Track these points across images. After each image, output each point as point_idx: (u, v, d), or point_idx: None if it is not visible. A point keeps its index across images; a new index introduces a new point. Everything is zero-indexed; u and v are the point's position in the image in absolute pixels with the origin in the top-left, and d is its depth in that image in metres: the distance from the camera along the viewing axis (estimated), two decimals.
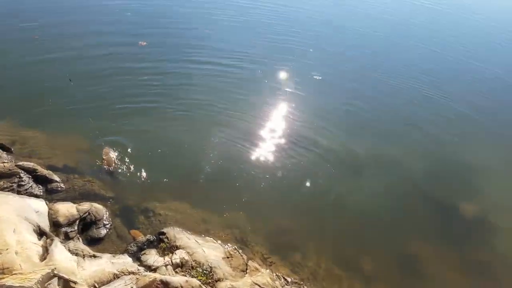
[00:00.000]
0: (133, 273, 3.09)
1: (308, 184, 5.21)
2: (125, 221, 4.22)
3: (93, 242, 3.82)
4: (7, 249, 2.90)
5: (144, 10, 10.21)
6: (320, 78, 7.88)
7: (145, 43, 8.00)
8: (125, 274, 3.04)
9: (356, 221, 4.98)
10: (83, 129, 5.37)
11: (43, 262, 2.97)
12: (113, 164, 4.82)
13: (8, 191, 3.94)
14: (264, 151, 5.67)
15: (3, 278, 2.61)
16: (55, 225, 3.70)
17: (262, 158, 5.52)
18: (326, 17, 12.29)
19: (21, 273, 2.68)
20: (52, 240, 3.31)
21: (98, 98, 6.08)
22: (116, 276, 3.02)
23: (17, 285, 2.56)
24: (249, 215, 4.75)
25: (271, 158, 5.56)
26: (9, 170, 4.20)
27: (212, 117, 6.30)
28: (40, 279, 2.67)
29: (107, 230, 3.94)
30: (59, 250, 3.14)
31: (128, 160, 4.98)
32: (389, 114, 7.20)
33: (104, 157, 4.83)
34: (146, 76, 7.02)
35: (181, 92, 6.78)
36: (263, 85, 7.49)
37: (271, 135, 6.00)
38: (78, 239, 3.73)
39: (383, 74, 8.56)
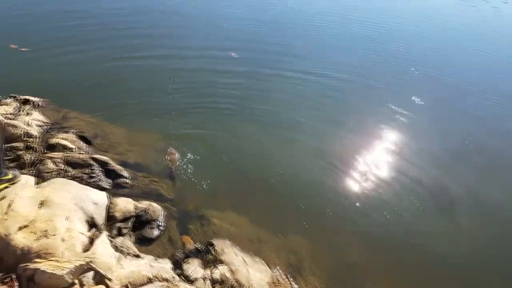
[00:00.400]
0: (166, 280, 2.94)
1: (388, 217, 4.64)
2: (180, 226, 4.13)
3: (143, 241, 3.77)
4: (54, 235, 2.94)
5: (240, 23, 10.38)
6: (421, 103, 7.16)
7: (235, 55, 8.04)
8: (158, 280, 2.89)
9: (441, 267, 4.28)
10: (161, 130, 5.48)
11: (84, 253, 2.95)
12: (176, 164, 4.79)
13: (78, 180, 4.06)
14: (342, 173, 5.25)
15: (41, 262, 2.61)
16: (111, 219, 3.72)
17: (338, 182, 5.10)
18: (436, 31, 11.36)
19: (57, 260, 2.66)
20: (100, 233, 3.29)
21: (180, 102, 6.21)
22: (149, 281, 2.88)
23: (50, 271, 2.55)
24: (311, 241, 4.36)
25: (349, 182, 5.12)
26: (84, 161, 4.39)
27: (292, 130, 6.04)
28: (73, 269, 2.64)
29: (160, 232, 3.87)
30: (103, 244, 3.11)
31: (194, 164, 4.94)
32: (498, 147, 6.25)
33: (168, 158, 4.84)
34: (232, 85, 7.03)
35: (263, 102, 6.66)
36: (354, 102, 7.05)
37: (353, 158, 5.55)
38: (130, 236, 3.69)
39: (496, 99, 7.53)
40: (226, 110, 6.21)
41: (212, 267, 3.35)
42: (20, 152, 4.33)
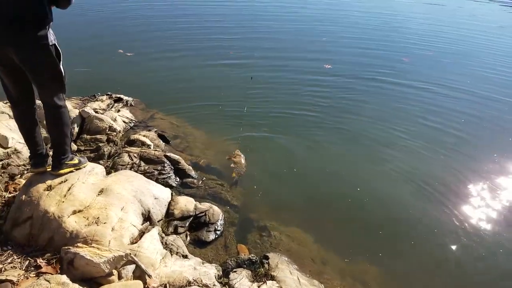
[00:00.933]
0: (206, 286, 2.74)
1: (487, 262, 3.90)
2: (238, 233, 3.94)
3: (197, 243, 3.66)
4: (105, 223, 2.95)
5: (339, 35, 10.04)
6: None
7: (329, 66, 7.74)
8: (197, 285, 2.71)
9: None
10: (237, 134, 5.42)
11: (129, 246, 2.90)
12: (240, 167, 4.70)
13: (149, 175, 4.11)
14: (440, 202, 4.57)
15: (82, 247, 2.61)
16: (169, 216, 3.67)
17: (433, 211, 4.46)
18: None
19: (98, 248, 2.63)
20: (152, 227, 3.23)
21: (262, 108, 6.10)
22: (188, 284, 2.72)
23: (88, 257, 2.52)
24: (384, 273, 3.83)
25: (447, 214, 4.43)
26: (157, 157, 4.47)
27: (382, 146, 5.52)
28: (111, 259, 2.58)
29: (216, 236, 3.73)
30: (151, 239, 3.04)
31: (266, 174, 4.76)
32: None
33: (233, 159, 4.71)
34: (320, 94, 6.74)
35: (353, 114, 6.26)
36: (465, 122, 6.24)
37: (457, 185, 4.82)
38: (186, 236, 3.60)
39: None
40: (309, 120, 5.94)
41: (261, 282, 3.05)
42: (101, 144, 4.53)
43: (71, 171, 3.27)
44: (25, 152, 3.90)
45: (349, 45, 9.27)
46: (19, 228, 2.88)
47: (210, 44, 8.52)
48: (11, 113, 4.36)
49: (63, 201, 2.99)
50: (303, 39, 9.44)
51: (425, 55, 9.15)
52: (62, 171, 3.12)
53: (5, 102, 4.62)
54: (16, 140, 3.92)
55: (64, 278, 2.40)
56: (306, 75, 7.37)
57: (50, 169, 3.18)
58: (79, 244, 2.63)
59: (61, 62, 2.66)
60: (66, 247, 2.59)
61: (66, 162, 3.13)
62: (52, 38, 2.54)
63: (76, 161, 3.32)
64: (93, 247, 2.64)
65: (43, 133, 3.28)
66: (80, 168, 3.34)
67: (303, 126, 5.72)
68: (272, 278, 3.22)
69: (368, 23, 11.46)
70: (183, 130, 5.35)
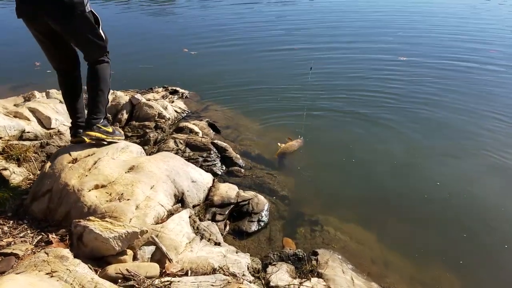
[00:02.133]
0: (233, 275, 2.28)
1: None
2: (285, 226, 3.42)
3: (237, 234, 3.22)
4: (128, 199, 2.63)
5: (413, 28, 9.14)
6: None
7: (405, 58, 6.97)
8: (223, 273, 2.25)
9: None
10: (294, 127, 4.94)
11: (152, 225, 2.53)
12: (288, 151, 4.32)
13: (193, 162, 3.79)
14: None
15: (94, 220, 2.29)
16: (207, 201, 3.27)
17: None
18: None
19: (111, 222, 2.29)
20: (183, 209, 2.85)
21: (322, 100, 5.58)
22: (213, 271, 2.27)
23: (97, 231, 2.18)
24: (464, 283, 3.06)
25: None
26: (204, 144, 4.15)
27: (466, 140, 4.72)
28: (123, 236, 2.22)
29: (259, 227, 3.27)
30: (179, 220, 2.67)
31: (323, 166, 4.22)
32: None
33: (281, 144, 4.23)
34: (392, 84, 6.03)
35: (431, 106, 5.48)
36: None
37: None
38: (225, 225, 3.17)
39: None
40: (378, 111, 5.25)
41: (304, 279, 2.49)
42: (148, 130, 4.31)
43: (102, 139, 3.03)
44: (68, 134, 3.75)
45: (429, 42, 8.33)
46: (37, 202, 2.66)
47: (274, 40, 8.25)
48: (61, 99, 4.30)
49: (86, 175, 2.72)
50: (377, 32, 8.70)
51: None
52: (91, 133, 2.85)
53: (58, 90, 4.60)
54: (61, 121, 3.81)
55: (64, 251, 2.08)
56: (378, 66, 6.67)
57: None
58: (91, 218, 2.30)
59: (100, 26, 2.71)
60: (77, 220, 2.27)
61: (98, 125, 2.87)
62: (88, 5, 2.60)
63: (109, 129, 3.07)
64: (106, 221, 2.29)
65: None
66: (113, 140, 3.11)
67: (369, 116, 5.06)
68: (319, 275, 2.65)
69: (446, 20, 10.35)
70: (236, 121, 4.99)
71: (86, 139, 2.95)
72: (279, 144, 4.31)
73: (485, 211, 3.54)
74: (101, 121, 2.89)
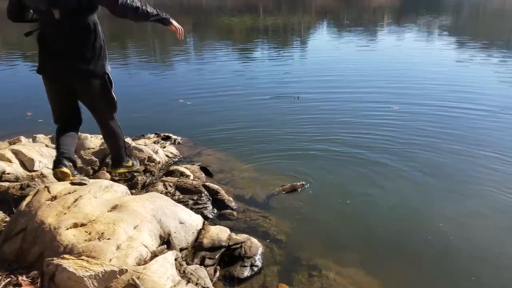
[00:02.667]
0: None
1: None
2: (281, 271, 3.19)
3: (228, 280, 2.98)
4: (109, 239, 2.42)
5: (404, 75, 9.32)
6: None
7: (397, 107, 7.01)
8: None
9: None
10: (291, 171, 4.77)
11: (133, 267, 2.30)
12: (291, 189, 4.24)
13: (183, 205, 3.62)
14: None
15: (68, 258, 2.07)
16: (196, 245, 3.04)
17: None
18: None
19: (87, 261, 2.07)
20: (168, 251, 2.63)
21: (319, 146, 5.49)
22: None
23: (71, 270, 1.96)
24: None
25: None
26: (195, 187, 3.99)
27: (467, 183, 4.55)
28: (100, 275, 2.00)
29: (252, 273, 3.03)
30: (163, 262, 2.43)
31: (321, 208, 4.03)
32: None
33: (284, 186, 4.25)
34: (385, 132, 5.97)
35: (427, 150, 5.36)
36: None
37: None
38: (215, 271, 2.92)
39: None
40: (374, 153, 5.18)
41: None
42: (137, 174, 4.15)
43: (125, 172, 3.89)
44: (52, 178, 3.59)
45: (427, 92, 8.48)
46: (9, 242, 2.45)
47: (269, 91, 8.38)
48: (49, 144, 4.20)
49: (65, 213, 2.54)
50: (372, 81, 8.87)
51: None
52: (119, 170, 3.81)
53: (46, 135, 4.52)
54: (44, 164, 3.66)
55: None
56: (371, 115, 6.66)
57: (109, 169, 3.88)
58: (65, 255, 2.07)
59: (112, 89, 3.13)
60: (50, 258, 2.05)
61: (124, 164, 3.74)
62: (108, 67, 3.02)
63: (130, 163, 3.82)
64: (82, 259, 2.07)
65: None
66: (132, 170, 3.96)
67: (365, 158, 4.95)
68: None
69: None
70: (230, 165, 4.86)
71: (81, 180, 3.14)
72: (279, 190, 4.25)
73: (492, 254, 3.33)
74: (125, 161, 3.81)
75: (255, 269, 3.09)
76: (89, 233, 2.47)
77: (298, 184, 4.27)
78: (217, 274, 3.00)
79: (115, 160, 3.63)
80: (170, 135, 5.63)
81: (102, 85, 2.98)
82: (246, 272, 3.04)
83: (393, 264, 3.31)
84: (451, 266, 3.23)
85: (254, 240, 3.33)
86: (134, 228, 2.70)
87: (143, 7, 2.69)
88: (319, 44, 16.38)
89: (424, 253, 3.39)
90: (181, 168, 4.46)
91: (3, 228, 2.81)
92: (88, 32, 2.73)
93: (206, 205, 3.84)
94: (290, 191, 4.22)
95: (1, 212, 2.97)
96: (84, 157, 4.18)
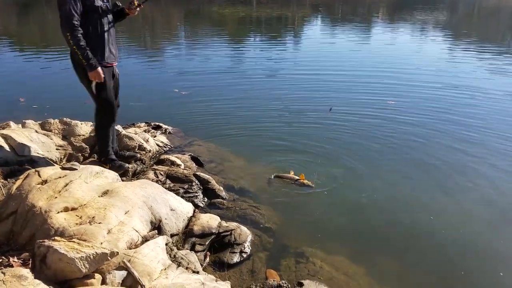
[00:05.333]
0: None
1: None
2: (269, 258, 3.24)
3: (218, 265, 3.02)
4: (100, 223, 2.44)
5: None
6: None
7: (393, 102, 7.07)
8: None
9: None
10: (283, 163, 4.80)
11: (124, 250, 2.34)
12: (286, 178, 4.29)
13: (174, 193, 3.63)
14: None
15: (59, 240, 2.10)
16: (187, 231, 3.08)
17: None
18: None
19: (79, 243, 2.10)
20: (159, 236, 2.66)
21: (316, 138, 5.56)
22: None
23: (62, 251, 1.98)
24: None
25: None
26: (186, 176, 4.01)
27: (459, 175, 4.63)
28: (91, 257, 2.03)
29: (241, 259, 3.08)
30: (154, 246, 2.47)
31: (313, 198, 4.09)
32: None
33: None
34: (379, 126, 6.04)
35: (418, 146, 5.45)
36: None
37: None
38: (205, 257, 2.96)
39: None
40: (366, 146, 5.32)
41: None
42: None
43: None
44: (42, 163, 3.60)
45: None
46: (0, 225, 2.44)
47: (266, 84, 8.51)
48: (39, 130, 4.19)
49: (55, 197, 2.56)
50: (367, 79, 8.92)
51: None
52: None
53: (35, 121, 4.52)
54: (34, 149, 3.64)
55: (23, 271, 1.88)
56: (368, 110, 6.71)
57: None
58: (56, 238, 2.10)
59: (93, 84, 3.35)
60: (41, 240, 2.07)
61: (101, 160, 3.79)
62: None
63: (107, 166, 3.68)
64: (73, 241, 2.10)
65: None
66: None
67: (356, 151, 5.02)
68: None
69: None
70: (221, 155, 4.88)
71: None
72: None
73: (480, 248, 3.42)
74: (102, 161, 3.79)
75: (244, 255, 3.14)
76: (80, 217, 2.49)
77: (296, 178, 4.26)
78: (207, 259, 3.05)
79: (98, 151, 3.89)
80: (161, 124, 5.63)
81: (84, 75, 3.27)
82: (236, 258, 3.09)
83: (379, 253, 3.38)
84: (436, 257, 3.32)
85: (244, 228, 3.37)
86: (125, 213, 2.72)
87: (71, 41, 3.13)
88: (313, 38, 16.37)
89: (410, 244, 3.48)
90: (172, 157, 4.48)
91: None
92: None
93: (196, 194, 3.86)
94: (287, 177, 4.26)
95: None
96: (75, 143, 4.17)
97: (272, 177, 4.27)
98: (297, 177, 4.18)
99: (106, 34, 3.25)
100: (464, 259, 3.28)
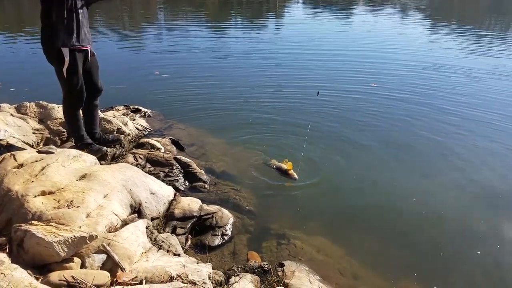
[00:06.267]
0: (192, 283, 2.07)
1: None
2: (251, 240, 3.26)
3: (199, 248, 3.03)
4: (78, 207, 2.39)
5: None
6: None
7: (376, 85, 7.12)
8: (181, 281, 2.04)
9: None
10: (267, 150, 4.76)
11: (103, 234, 2.30)
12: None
13: (154, 176, 3.59)
14: (506, 219, 3.67)
15: (37, 224, 2.05)
16: (168, 215, 3.06)
17: (494, 228, 3.55)
18: None
19: (56, 227, 2.06)
20: (139, 219, 2.64)
21: (299, 121, 5.57)
22: (170, 279, 2.05)
23: (40, 235, 1.94)
24: None
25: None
26: (166, 160, 3.97)
27: (435, 161, 4.68)
28: (69, 240, 2.00)
29: (223, 241, 3.08)
30: (134, 229, 2.45)
31: (295, 184, 4.04)
32: None
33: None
34: (365, 110, 6.09)
35: (395, 128, 5.52)
36: None
37: None
38: (186, 240, 2.96)
39: None
40: (349, 128, 5.36)
41: None
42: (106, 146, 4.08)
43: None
44: (18, 147, 3.51)
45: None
46: None
47: (249, 68, 8.52)
48: (14, 113, 4.07)
49: (32, 181, 2.50)
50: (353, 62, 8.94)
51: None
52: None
53: (11, 104, 4.38)
54: (10, 133, 3.55)
55: (1, 256, 1.83)
56: (350, 92, 6.75)
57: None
58: (33, 222, 2.06)
59: (64, 67, 3.26)
60: (18, 225, 2.03)
61: (78, 145, 3.65)
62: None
63: (84, 150, 3.49)
64: (51, 225, 2.06)
65: None
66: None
67: (339, 133, 5.07)
68: (285, 285, 2.48)
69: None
70: (201, 139, 4.85)
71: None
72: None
73: (456, 228, 3.51)
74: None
75: (226, 238, 3.15)
76: (58, 201, 2.45)
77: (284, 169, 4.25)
78: (189, 242, 3.05)
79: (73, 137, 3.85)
80: (140, 107, 5.55)
81: (56, 59, 3.20)
82: (217, 241, 3.10)
83: (360, 234, 3.44)
84: (416, 237, 3.39)
85: (225, 211, 3.38)
86: (104, 197, 2.69)
87: None
88: (294, 21, 16.29)
89: (390, 225, 3.54)
90: (152, 141, 4.43)
91: None
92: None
93: (177, 177, 3.84)
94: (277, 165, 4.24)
95: None
96: (52, 127, 4.08)
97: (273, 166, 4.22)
98: (285, 167, 4.13)
99: (80, 16, 3.16)
100: (443, 239, 3.37)
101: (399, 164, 4.49)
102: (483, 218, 3.60)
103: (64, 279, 1.86)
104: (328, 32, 13.30)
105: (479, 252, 3.17)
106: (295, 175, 3.99)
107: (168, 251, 2.59)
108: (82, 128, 3.67)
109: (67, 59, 3.12)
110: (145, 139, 4.42)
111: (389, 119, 5.68)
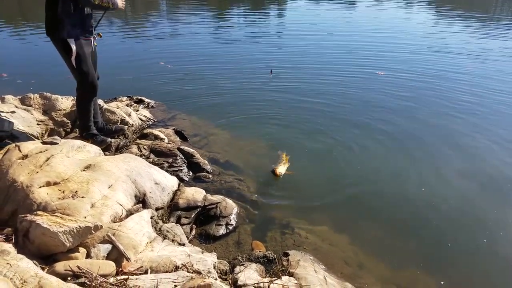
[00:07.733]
0: (198, 272, 2.08)
1: None
2: (255, 230, 3.26)
3: (204, 238, 3.04)
4: (83, 197, 2.40)
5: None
6: None
7: (383, 73, 7.06)
8: (186, 270, 2.05)
9: None
10: (268, 136, 4.78)
11: (109, 224, 2.31)
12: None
13: (158, 167, 3.59)
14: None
15: (42, 215, 2.06)
16: (172, 205, 3.06)
17: (500, 215, 3.53)
18: None
19: (61, 217, 2.06)
20: (143, 209, 2.64)
21: (303, 112, 5.54)
22: (175, 268, 2.06)
23: (45, 226, 1.95)
24: (440, 284, 2.94)
25: None
26: (170, 150, 3.97)
27: (440, 146, 4.66)
28: (74, 230, 1.99)
29: (227, 231, 3.09)
30: (139, 219, 2.45)
31: (299, 171, 4.06)
32: None
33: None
34: (365, 99, 6.05)
35: (403, 118, 5.45)
36: None
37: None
38: (191, 229, 2.96)
39: None
40: (356, 117, 5.30)
41: (274, 277, 2.32)
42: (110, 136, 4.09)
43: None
44: (23, 138, 3.52)
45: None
46: None
47: (253, 59, 8.41)
48: (18, 105, 4.08)
49: (37, 171, 2.50)
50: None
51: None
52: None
53: (15, 96, 4.39)
54: (14, 125, 3.54)
55: (5, 246, 1.88)
56: (358, 81, 6.70)
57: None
58: (38, 212, 2.06)
59: (73, 57, 3.36)
60: (23, 215, 2.03)
61: (83, 135, 3.75)
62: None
63: (89, 141, 3.57)
64: (56, 215, 2.06)
65: None
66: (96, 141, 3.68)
67: (345, 123, 5.06)
68: (290, 274, 2.48)
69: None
70: (205, 129, 4.84)
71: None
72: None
73: (460, 216, 3.49)
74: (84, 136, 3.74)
75: (230, 227, 3.16)
76: (63, 192, 2.46)
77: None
78: (193, 232, 3.05)
79: (79, 126, 3.86)
80: (143, 98, 5.54)
81: (63, 49, 3.31)
82: (222, 231, 3.10)
83: (364, 223, 3.43)
84: (421, 226, 3.38)
85: (229, 201, 3.38)
86: (109, 187, 2.69)
87: None
88: (299, 9, 16.13)
89: (395, 213, 3.52)
90: (155, 131, 4.43)
91: None
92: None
93: (181, 168, 3.84)
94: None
95: None
96: (56, 118, 4.08)
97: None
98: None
99: (89, 9, 3.27)
100: (449, 228, 3.35)
101: (406, 153, 4.46)
102: (491, 207, 3.57)
103: (70, 269, 1.87)
104: (333, 22, 13.18)
105: (485, 241, 3.15)
106: (277, 172, 3.90)
107: (173, 240, 2.59)
108: (91, 119, 3.70)
109: (74, 48, 3.20)
110: (149, 130, 4.41)
111: (396, 108, 5.65)
